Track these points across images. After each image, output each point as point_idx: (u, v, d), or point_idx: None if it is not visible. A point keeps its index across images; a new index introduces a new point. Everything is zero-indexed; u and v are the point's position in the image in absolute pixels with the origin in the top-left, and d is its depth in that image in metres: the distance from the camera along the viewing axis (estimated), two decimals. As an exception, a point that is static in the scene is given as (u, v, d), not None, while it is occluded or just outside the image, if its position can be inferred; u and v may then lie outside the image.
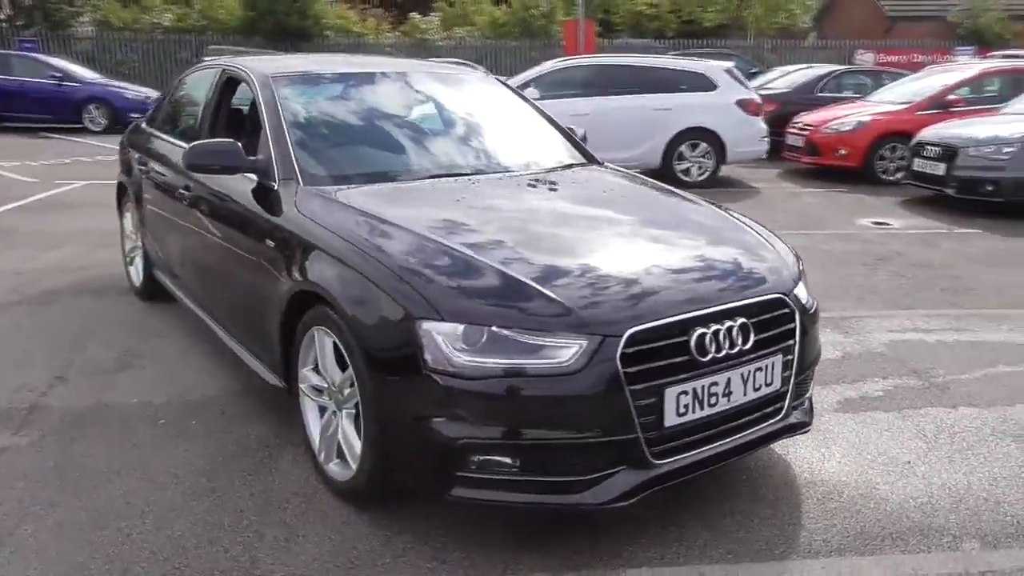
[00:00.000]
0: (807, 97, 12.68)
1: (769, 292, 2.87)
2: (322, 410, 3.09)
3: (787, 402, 2.91)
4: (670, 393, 2.55)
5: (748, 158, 10.32)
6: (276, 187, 3.34)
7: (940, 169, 8.74)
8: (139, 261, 5.37)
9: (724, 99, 9.80)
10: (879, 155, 10.54)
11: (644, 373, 2.49)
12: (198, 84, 4.70)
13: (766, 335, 2.78)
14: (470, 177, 3.61)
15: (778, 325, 2.84)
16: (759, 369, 2.75)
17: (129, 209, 5.38)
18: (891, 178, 10.50)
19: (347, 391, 2.86)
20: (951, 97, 10.52)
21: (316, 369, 3.06)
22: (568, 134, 4.30)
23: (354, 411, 2.86)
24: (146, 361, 4.29)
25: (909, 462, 3.31)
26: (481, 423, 2.46)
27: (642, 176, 4.10)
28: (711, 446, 2.70)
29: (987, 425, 3.65)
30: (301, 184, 3.30)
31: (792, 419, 2.98)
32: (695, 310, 2.65)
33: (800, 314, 2.91)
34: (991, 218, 8.25)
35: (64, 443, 3.39)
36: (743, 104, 9.86)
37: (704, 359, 2.60)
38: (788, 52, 24.29)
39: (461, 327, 2.47)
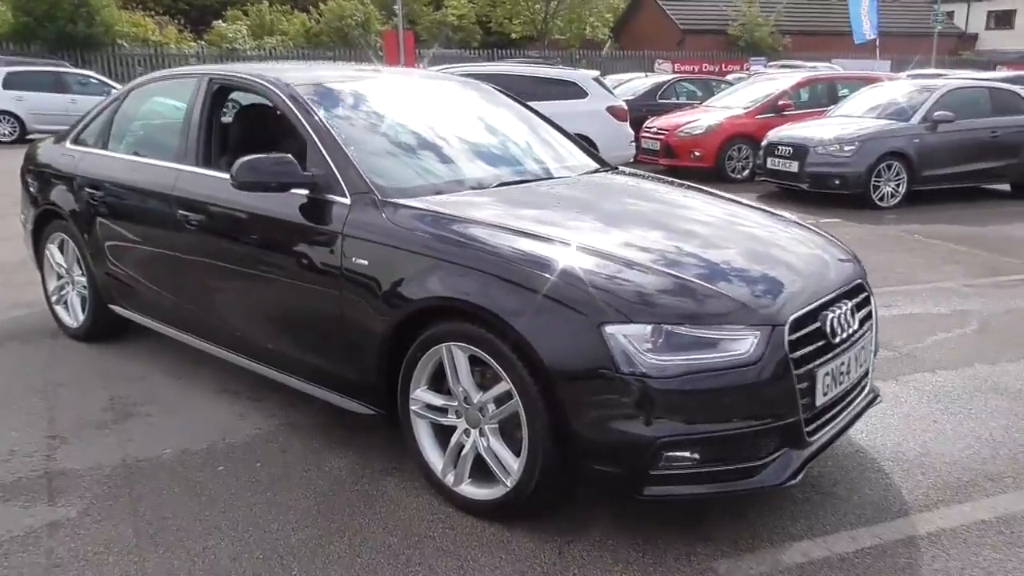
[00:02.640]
0: (650, 103, 13.62)
1: (856, 277, 3.18)
2: (441, 431, 3.00)
3: (871, 377, 3.23)
4: (820, 374, 2.75)
5: (619, 162, 10.80)
6: (347, 201, 3.17)
7: (794, 167, 9.74)
8: (74, 299, 4.80)
9: (596, 106, 10.28)
10: (728, 155, 11.53)
11: (802, 358, 2.68)
12: (164, 97, 4.30)
13: (861, 315, 3.06)
14: (539, 183, 3.63)
15: (864, 307, 3.14)
16: (862, 348, 3.04)
17: (60, 241, 4.79)
18: (739, 176, 11.52)
19: (491, 408, 2.80)
20: (782, 102, 11.75)
21: (433, 389, 2.97)
22: (578, 140, 4.41)
23: (497, 427, 2.82)
24: (148, 408, 3.86)
25: (935, 421, 3.75)
26: (674, 421, 2.53)
27: (667, 177, 4.31)
28: (836, 422, 2.94)
29: (967, 384, 4.19)
30: (379, 196, 3.16)
31: (872, 393, 3.29)
32: (824, 296, 2.88)
33: (872, 296, 3.24)
34: (843, 208, 9.32)
35: (126, 506, 3.01)
36: (613, 111, 10.40)
37: (835, 340, 2.83)
38: (590, 61, 25.73)
39: (648, 328, 2.53)
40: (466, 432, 2.91)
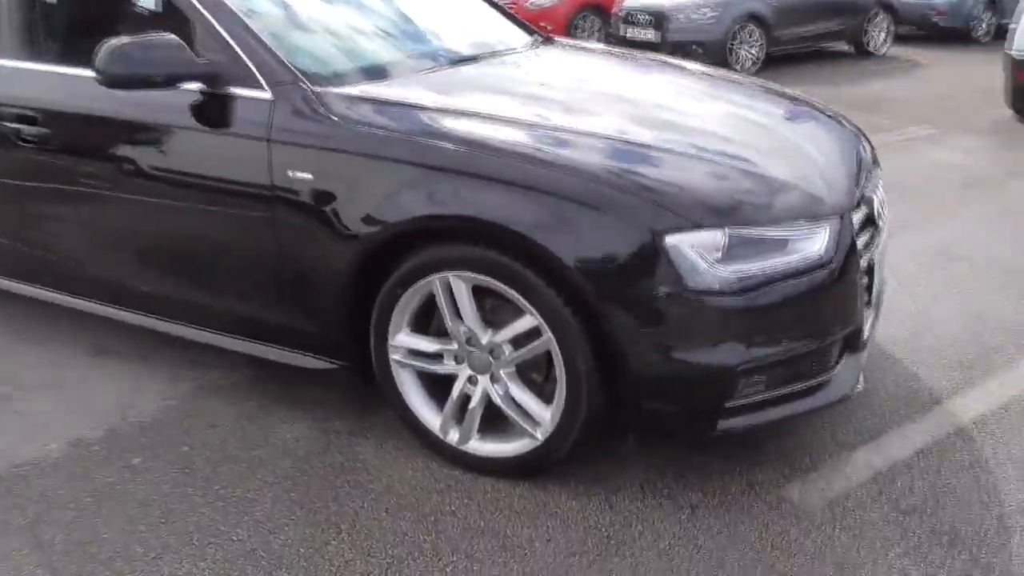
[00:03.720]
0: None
1: (873, 152, 2.82)
2: (432, 381, 2.42)
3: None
4: (876, 265, 2.42)
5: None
6: (267, 95, 2.39)
7: (653, 35, 9.39)
8: None
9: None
10: (575, 25, 11.04)
11: (863, 248, 2.31)
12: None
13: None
14: (497, 58, 2.95)
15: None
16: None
17: None
18: (591, 48, 11.07)
19: (507, 350, 2.24)
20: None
21: (420, 331, 2.37)
22: (505, 11, 3.71)
23: (514, 370, 2.27)
24: (8, 390, 2.95)
25: (913, 303, 3.55)
26: (751, 342, 2.09)
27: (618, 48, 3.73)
28: (879, 315, 2.64)
29: (917, 255, 4.04)
30: (310, 85, 2.40)
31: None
32: (863, 176, 2.51)
33: None
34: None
35: (17, 539, 2.23)
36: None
37: (880, 224, 2.49)
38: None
39: (718, 233, 2.03)
40: (471, 380, 2.34)
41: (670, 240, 2.02)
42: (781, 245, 2.12)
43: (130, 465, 2.51)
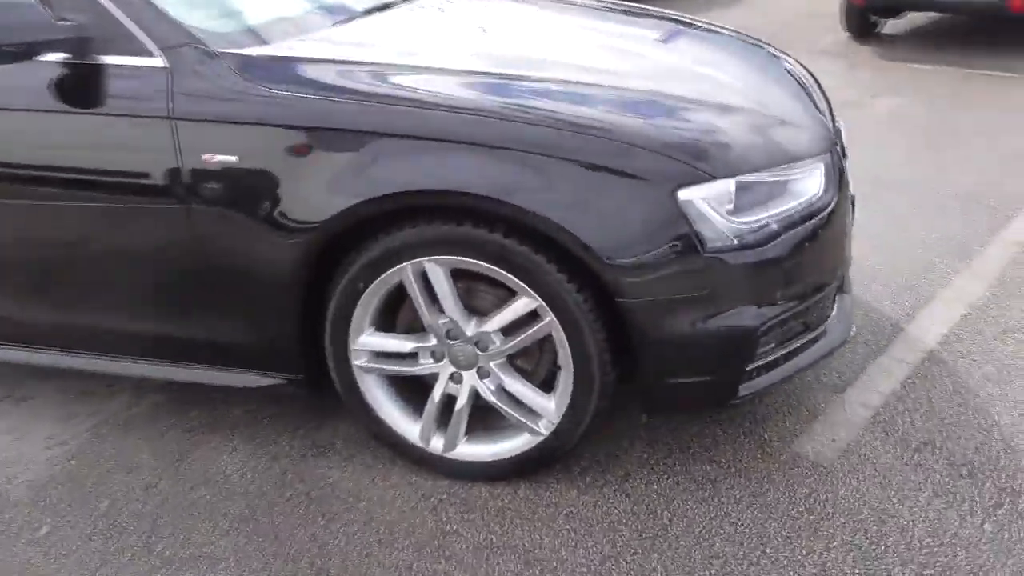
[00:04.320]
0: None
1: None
2: (403, 385, 2.10)
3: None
4: (855, 197, 2.32)
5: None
6: (160, 63, 1.92)
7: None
8: None
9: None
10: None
11: (847, 185, 2.19)
12: None
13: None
14: (400, 6, 2.55)
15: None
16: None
17: None
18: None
19: (496, 340, 1.95)
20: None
21: (386, 329, 2.04)
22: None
23: (505, 361, 1.99)
24: None
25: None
26: (771, 299, 1.91)
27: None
28: None
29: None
30: (212, 47, 1.96)
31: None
32: (826, 107, 2.39)
33: None
34: None
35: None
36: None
37: (846, 155, 2.38)
38: None
39: (731, 183, 1.82)
40: (453, 378, 2.04)
41: (683, 195, 1.78)
42: (781, 189, 1.94)
43: (36, 538, 2.02)
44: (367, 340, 2.03)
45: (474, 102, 1.87)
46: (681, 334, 1.85)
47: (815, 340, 2.11)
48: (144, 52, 1.94)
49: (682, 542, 1.91)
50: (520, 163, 1.80)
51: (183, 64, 1.92)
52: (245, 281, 2.01)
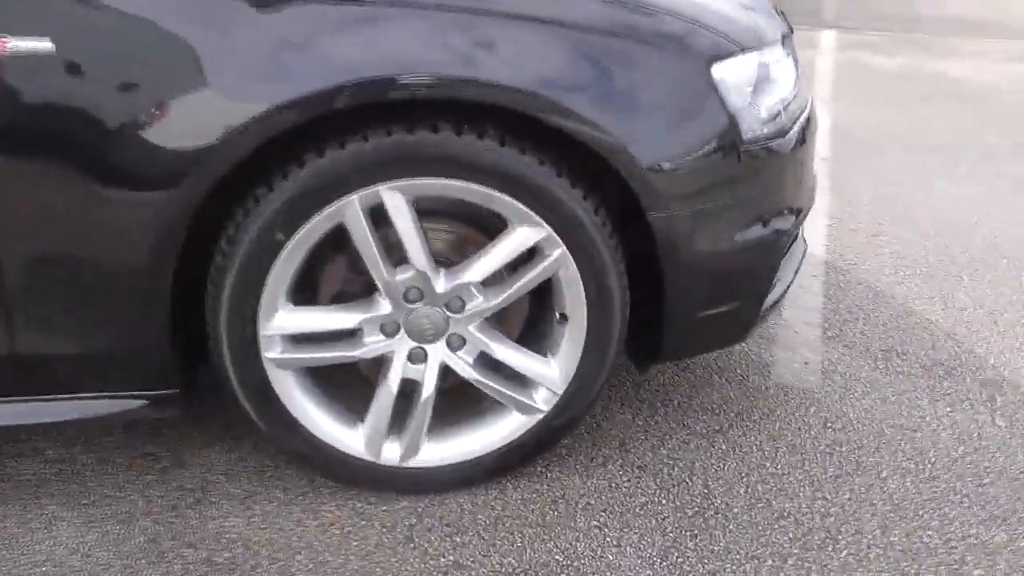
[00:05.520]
0: None
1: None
2: (325, 381, 1.50)
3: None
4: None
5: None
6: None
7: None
8: None
9: None
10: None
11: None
12: None
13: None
14: None
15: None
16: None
17: None
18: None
19: (475, 294, 1.42)
20: None
21: (318, 298, 1.42)
22: None
23: (483, 322, 1.47)
24: None
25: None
26: (793, 200, 1.60)
27: None
28: None
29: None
30: None
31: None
32: None
33: None
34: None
35: None
36: None
37: None
38: None
39: (753, 59, 1.47)
40: (414, 357, 1.46)
41: (717, 72, 1.39)
42: (766, 74, 1.60)
43: None
44: (285, 320, 1.37)
45: None
46: (719, 252, 1.48)
47: (801, 255, 1.86)
48: None
49: (735, 509, 1.54)
50: (541, 39, 1.28)
51: None
52: (80, 258, 1.26)
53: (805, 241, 1.95)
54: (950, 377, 1.96)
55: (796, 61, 1.68)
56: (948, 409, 1.84)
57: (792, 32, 1.76)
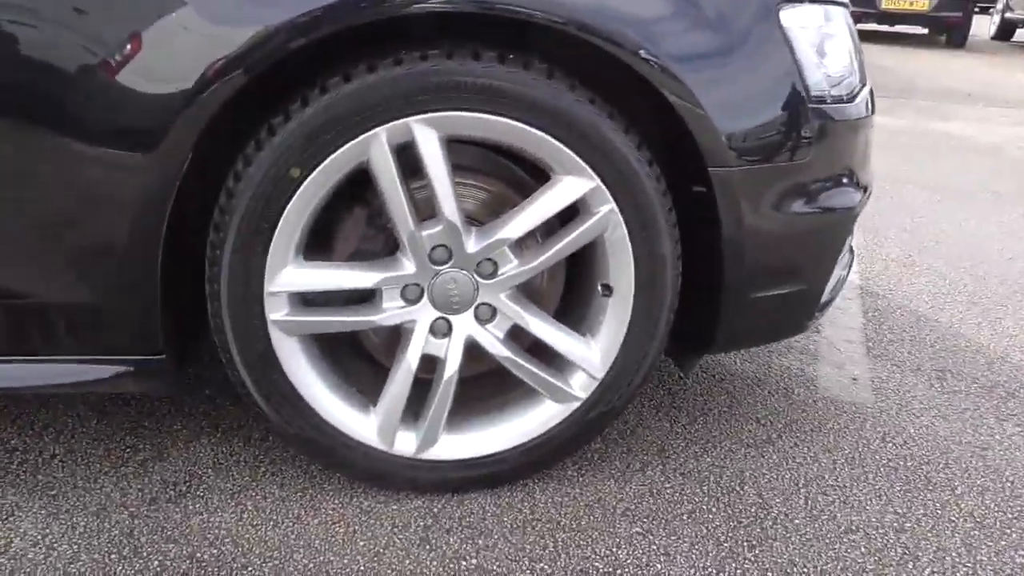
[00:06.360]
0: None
1: None
2: (332, 358, 1.33)
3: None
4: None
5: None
6: None
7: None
8: None
9: None
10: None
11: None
12: None
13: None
14: None
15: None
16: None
17: None
18: None
19: (509, 257, 1.25)
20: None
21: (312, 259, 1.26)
22: None
23: (516, 292, 1.30)
24: None
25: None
26: (858, 172, 1.45)
27: None
28: None
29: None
30: None
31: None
32: None
33: None
34: None
35: None
36: None
37: None
38: None
39: (822, 10, 1.35)
40: (436, 330, 1.28)
41: (785, 18, 1.27)
42: (832, 36, 1.48)
43: None
44: (295, 276, 1.20)
45: None
46: (783, 220, 1.32)
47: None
48: None
49: (796, 521, 1.35)
50: None
51: None
52: (65, 199, 1.09)
53: (852, 249, 1.81)
54: (1014, 398, 1.79)
55: (855, 36, 1.57)
56: (1018, 428, 1.67)
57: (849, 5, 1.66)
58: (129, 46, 1.05)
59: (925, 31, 11.45)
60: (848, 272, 1.66)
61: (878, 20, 10.85)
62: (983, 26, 12.48)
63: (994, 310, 2.25)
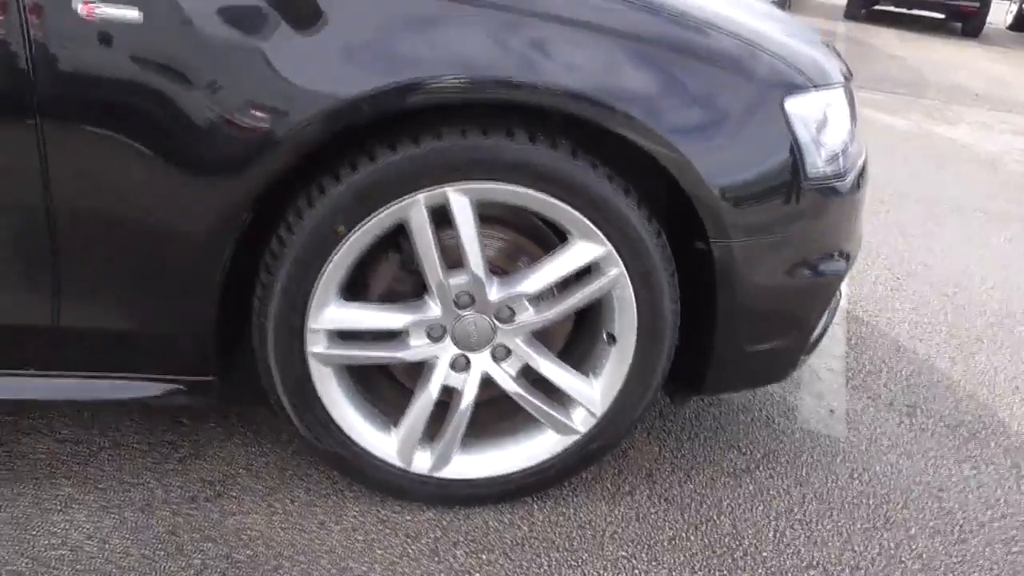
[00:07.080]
0: None
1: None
2: (360, 385, 1.47)
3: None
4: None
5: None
6: None
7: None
8: None
9: None
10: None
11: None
12: None
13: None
14: None
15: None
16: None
17: None
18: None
19: (526, 307, 1.39)
20: None
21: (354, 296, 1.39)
22: None
23: (530, 336, 1.44)
24: None
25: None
26: (847, 244, 1.59)
27: None
28: None
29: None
30: None
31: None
32: None
33: None
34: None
35: None
36: None
37: None
38: None
39: (819, 98, 1.46)
40: (456, 365, 1.43)
41: (790, 106, 1.39)
42: (831, 115, 1.61)
43: None
44: (335, 315, 1.34)
45: None
46: (774, 287, 1.46)
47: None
48: None
49: (764, 553, 1.52)
50: (632, 57, 1.27)
51: None
52: (138, 234, 1.22)
53: (840, 291, 1.94)
54: (974, 440, 1.95)
55: (854, 106, 1.68)
56: (973, 471, 1.83)
57: (851, 76, 1.76)
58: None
59: (942, 16, 11.41)
60: (832, 318, 1.80)
61: (896, 2, 10.82)
62: (999, 14, 12.42)
63: (969, 344, 2.40)
